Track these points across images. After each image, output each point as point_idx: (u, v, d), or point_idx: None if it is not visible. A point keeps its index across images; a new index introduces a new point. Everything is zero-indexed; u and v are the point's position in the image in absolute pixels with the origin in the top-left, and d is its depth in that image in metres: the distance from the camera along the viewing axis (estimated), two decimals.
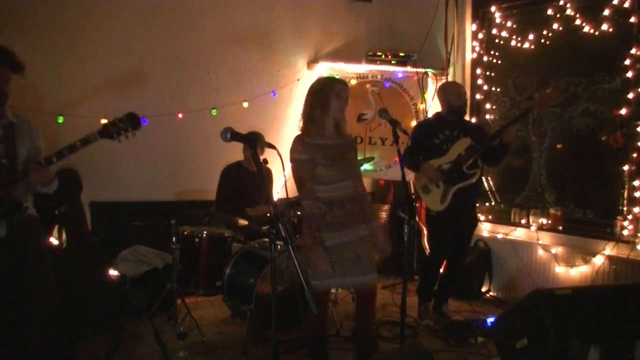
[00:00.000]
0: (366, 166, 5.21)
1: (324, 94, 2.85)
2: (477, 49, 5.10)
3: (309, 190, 2.81)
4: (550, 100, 3.94)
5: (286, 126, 5.67)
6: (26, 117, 2.71)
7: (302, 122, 2.94)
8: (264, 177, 2.32)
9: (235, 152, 4.68)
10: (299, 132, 2.94)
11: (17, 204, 2.52)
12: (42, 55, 4.32)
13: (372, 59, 5.53)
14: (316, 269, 2.78)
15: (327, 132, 2.89)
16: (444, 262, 4.21)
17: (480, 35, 5.08)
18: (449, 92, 4.01)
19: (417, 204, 4.61)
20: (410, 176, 4.31)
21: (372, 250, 2.94)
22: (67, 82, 4.56)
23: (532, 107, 3.92)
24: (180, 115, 4.91)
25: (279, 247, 2.30)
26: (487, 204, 5.05)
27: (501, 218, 4.92)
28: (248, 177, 4.54)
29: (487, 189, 5.04)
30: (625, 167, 4.01)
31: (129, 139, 2.63)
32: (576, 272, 4.22)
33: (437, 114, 4.17)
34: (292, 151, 2.85)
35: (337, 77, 5.37)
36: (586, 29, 4.25)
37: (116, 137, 2.54)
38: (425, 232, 4.92)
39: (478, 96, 5.10)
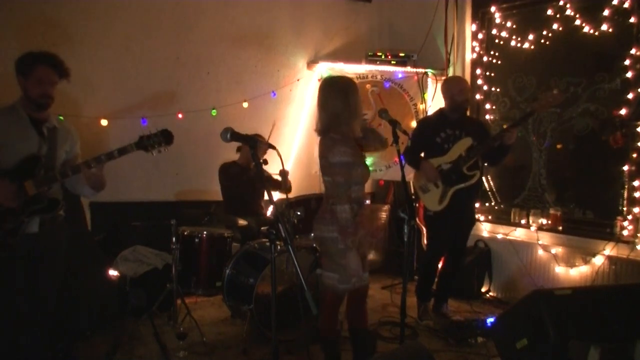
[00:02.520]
0: None
1: (352, 94, 2.77)
2: (477, 49, 5.10)
3: (347, 195, 2.74)
4: (554, 102, 3.89)
5: (286, 126, 5.67)
6: (67, 123, 2.89)
7: (328, 122, 2.78)
8: (264, 176, 2.33)
9: (235, 152, 4.69)
10: (332, 133, 2.77)
11: (55, 200, 2.68)
12: None
13: (372, 59, 5.52)
14: (345, 273, 2.77)
15: (355, 132, 2.85)
16: (442, 262, 4.22)
17: (480, 36, 5.08)
18: (452, 88, 3.96)
19: (417, 204, 4.61)
20: (410, 176, 4.31)
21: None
22: (67, 82, 4.55)
23: (535, 110, 3.86)
24: (180, 116, 4.91)
25: (279, 247, 2.30)
26: (487, 204, 5.05)
27: (501, 218, 4.92)
28: (244, 175, 4.55)
29: (487, 189, 5.04)
30: (625, 167, 4.01)
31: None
32: (576, 272, 4.22)
33: (440, 111, 4.11)
34: (338, 153, 2.69)
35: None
36: (586, 29, 4.25)
37: (150, 150, 2.73)
38: (424, 231, 4.92)
39: (478, 96, 5.10)
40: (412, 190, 4.39)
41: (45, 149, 2.63)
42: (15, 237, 2.54)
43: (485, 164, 4.27)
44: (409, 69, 5.44)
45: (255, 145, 2.29)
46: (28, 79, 2.59)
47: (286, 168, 4.38)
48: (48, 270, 2.69)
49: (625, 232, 3.98)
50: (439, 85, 5.01)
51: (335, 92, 2.79)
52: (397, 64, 5.48)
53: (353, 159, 2.73)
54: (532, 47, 4.67)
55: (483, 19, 5.07)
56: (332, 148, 2.72)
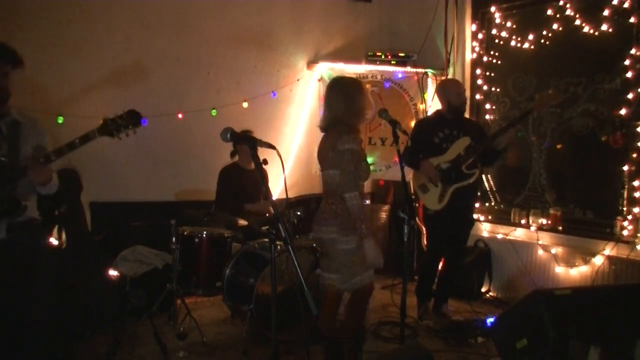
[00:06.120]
0: None
1: (355, 97, 2.85)
2: (477, 49, 5.10)
3: (356, 184, 2.80)
4: (550, 101, 3.94)
5: (286, 126, 5.67)
6: (32, 116, 2.65)
7: (331, 122, 2.87)
8: (264, 175, 2.33)
9: (230, 158, 4.69)
10: (332, 130, 2.85)
11: (16, 202, 2.46)
12: (42, 55, 4.32)
13: (372, 59, 5.53)
14: (347, 272, 2.78)
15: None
16: (442, 262, 4.22)
17: (480, 36, 5.08)
18: (448, 91, 4.00)
19: (416, 204, 4.61)
20: (409, 176, 4.31)
21: None
22: (67, 82, 4.56)
23: (532, 109, 3.91)
24: (180, 115, 4.91)
25: (279, 247, 2.30)
26: (487, 204, 5.05)
27: (501, 218, 4.92)
28: (245, 176, 4.54)
29: (487, 189, 5.04)
30: (625, 167, 4.01)
31: (130, 138, 2.61)
32: (576, 272, 4.22)
33: (437, 112, 4.15)
34: (348, 141, 2.76)
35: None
36: (586, 29, 4.25)
37: (116, 135, 2.50)
38: (424, 231, 4.92)
39: (478, 96, 5.10)
40: (412, 190, 4.40)
41: (5, 146, 2.41)
42: None
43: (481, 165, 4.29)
44: (409, 69, 5.44)
45: (256, 146, 2.29)
46: None
47: (286, 168, 4.38)
48: (36, 277, 2.51)
49: (625, 232, 3.97)
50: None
51: (339, 94, 2.87)
52: (397, 64, 5.48)
53: (360, 150, 2.82)
54: (532, 47, 4.67)
55: (483, 19, 5.07)
56: (341, 136, 2.77)
